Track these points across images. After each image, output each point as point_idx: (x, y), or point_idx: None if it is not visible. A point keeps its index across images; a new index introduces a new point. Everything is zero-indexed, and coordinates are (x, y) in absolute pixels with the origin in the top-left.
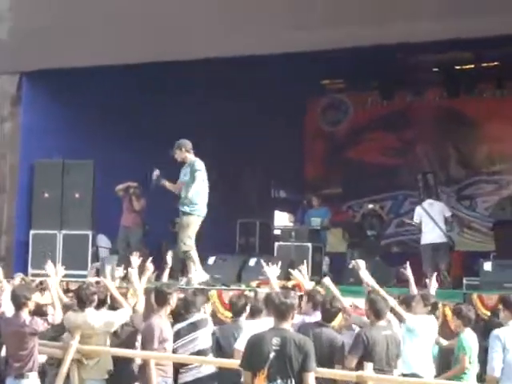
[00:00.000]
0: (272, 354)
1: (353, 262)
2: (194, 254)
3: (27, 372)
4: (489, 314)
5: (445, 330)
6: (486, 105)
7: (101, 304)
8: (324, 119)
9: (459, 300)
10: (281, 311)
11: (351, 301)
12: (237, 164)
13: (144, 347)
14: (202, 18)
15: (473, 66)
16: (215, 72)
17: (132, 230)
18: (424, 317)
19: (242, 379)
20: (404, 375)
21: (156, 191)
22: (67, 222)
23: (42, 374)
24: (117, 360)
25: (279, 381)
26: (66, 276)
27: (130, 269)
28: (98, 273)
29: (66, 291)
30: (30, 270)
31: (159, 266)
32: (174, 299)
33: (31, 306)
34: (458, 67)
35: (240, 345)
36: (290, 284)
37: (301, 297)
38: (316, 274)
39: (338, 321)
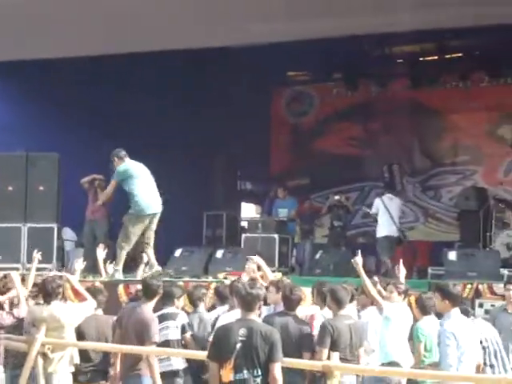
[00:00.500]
0: (239, 345)
1: (352, 260)
2: (124, 253)
3: None
4: None
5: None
6: (449, 96)
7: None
8: (290, 111)
9: (424, 289)
10: (247, 302)
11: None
12: (202, 156)
13: (147, 340)
14: (166, 11)
15: (436, 57)
16: (180, 63)
17: (98, 222)
18: (399, 304)
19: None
20: (383, 364)
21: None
22: (32, 214)
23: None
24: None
25: (245, 371)
26: (30, 269)
27: (11, 272)
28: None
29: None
30: None
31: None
32: (161, 290)
33: None
34: (421, 59)
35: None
36: (257, 275)
37: (267, 288)
38: (283, 265)
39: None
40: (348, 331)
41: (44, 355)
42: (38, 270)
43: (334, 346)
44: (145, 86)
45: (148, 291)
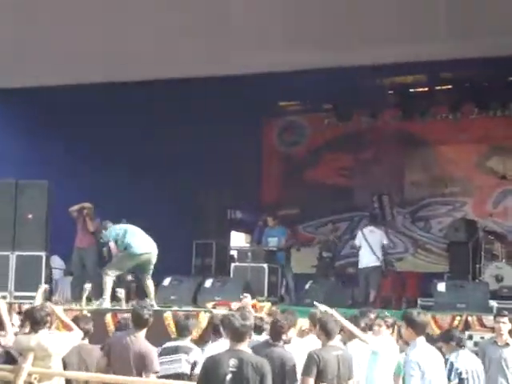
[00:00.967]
0: (229, 376)
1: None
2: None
3: None
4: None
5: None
6: (439, 127)
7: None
8: (281, 140)
9: None
10: (240, 333)
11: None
12: (193, 184)
13: (150, 370)
14: (158, 41)
15: (427, 88)
16: (172, 93)
17: (87, 251)
18: (386, 338)
19: None
20: None
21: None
22: (20, 242)
23: None
24: None
25: None
26: (18, 298)
27: None
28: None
29: (19, 313)
30: None
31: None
32: (151, 319)
33: None
34: (412, 90)
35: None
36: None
37: (261, 318)
38: (272, 294)
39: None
40: (336, 362)
41: None
42: (25, 298)
43: (320, 377)
44: (133, 114)
45: (138, 320)
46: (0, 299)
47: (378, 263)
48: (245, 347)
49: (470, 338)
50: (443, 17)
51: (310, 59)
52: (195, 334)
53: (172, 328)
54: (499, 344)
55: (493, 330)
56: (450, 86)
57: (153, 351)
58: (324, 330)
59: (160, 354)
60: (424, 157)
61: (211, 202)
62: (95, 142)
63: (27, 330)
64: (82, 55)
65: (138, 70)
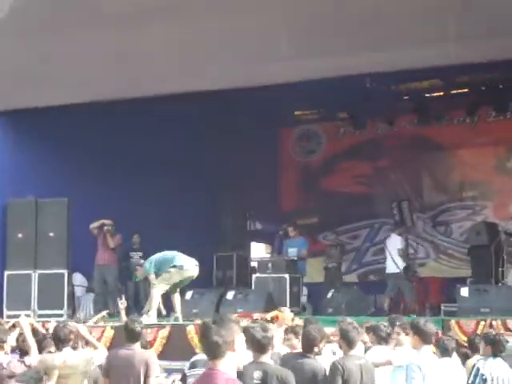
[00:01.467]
0: None
1: None
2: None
3: None
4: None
5: None
6: (456, 131)
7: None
8: (298, 150)
9: (438, 327)
10: (262, 345)
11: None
12: (212, 197)
13: (153, 375)
14: (175, 54)
15: (442, 93)
16: (189, 105)
17: (107, 267)
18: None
19: None
20: None
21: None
22: (42, 261)
23: None
24: None
25: None
26: (41, 316)
27: (20, 318)
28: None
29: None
30: (6, 311)
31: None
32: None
33: (7, 348)
34: (428, 95)
35: None
36: (268, 316)
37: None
38: (294, 305)
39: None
40: (359, 371)
41: None
42: (48, 316)
43: None
44: (153, 128)
45: (132, 334)
46: (24, 318)
47: (397, 270)
48: (267, 359)
49: None
50: (457, 20)
51: (324, 67)
52: None
53: (195, 341)
54: None
55: None
56: (465, 90)
57: (153, 356)
58: (345, 339)
59: (190, 367)
60: (442, 161)
61: (230, 214)
62: (116, 159)
63: (52, 349)
64: (99, 73)
65: (159, 85)
